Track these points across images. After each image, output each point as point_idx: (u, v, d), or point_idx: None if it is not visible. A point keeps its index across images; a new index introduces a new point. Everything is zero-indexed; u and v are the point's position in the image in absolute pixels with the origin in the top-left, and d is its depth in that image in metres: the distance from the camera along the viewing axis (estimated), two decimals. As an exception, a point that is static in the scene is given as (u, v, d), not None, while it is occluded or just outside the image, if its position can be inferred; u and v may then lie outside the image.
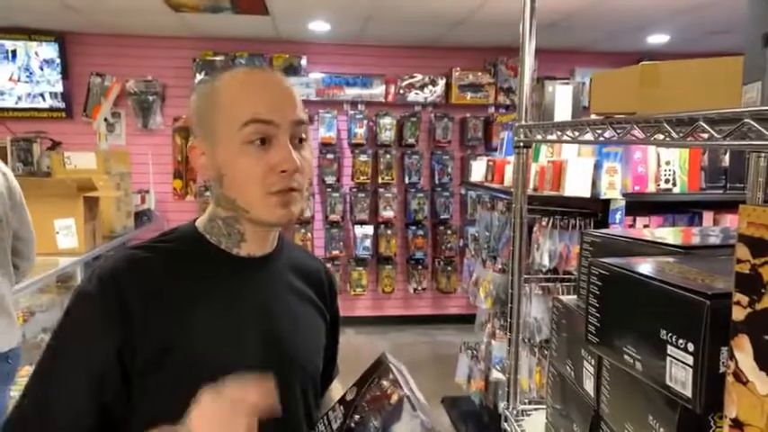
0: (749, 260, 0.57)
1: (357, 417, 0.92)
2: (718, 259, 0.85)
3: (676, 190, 2.75)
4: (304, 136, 0.95)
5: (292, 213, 0.93)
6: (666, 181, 2.76)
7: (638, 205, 2.74)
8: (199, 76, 4.98)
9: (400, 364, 0.99)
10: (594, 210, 2.74)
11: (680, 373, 0.67)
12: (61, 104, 4.95)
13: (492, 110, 5.42)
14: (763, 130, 0.49)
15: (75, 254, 3.17)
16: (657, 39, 4.82)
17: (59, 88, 4.92)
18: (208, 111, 0.94)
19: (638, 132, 0.73)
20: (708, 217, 2.87)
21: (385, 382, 0.93)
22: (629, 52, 5.28)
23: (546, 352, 2.84)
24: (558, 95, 3.30)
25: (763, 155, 1.18)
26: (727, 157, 2.82)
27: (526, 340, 2.89)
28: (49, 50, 4.86)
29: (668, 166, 2.76)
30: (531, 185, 2.90)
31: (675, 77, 0.73)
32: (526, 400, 1.35)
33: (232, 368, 0.91)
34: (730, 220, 2.87)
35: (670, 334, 0.69)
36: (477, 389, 3.47)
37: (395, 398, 0.89)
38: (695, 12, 3.93)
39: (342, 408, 0.94)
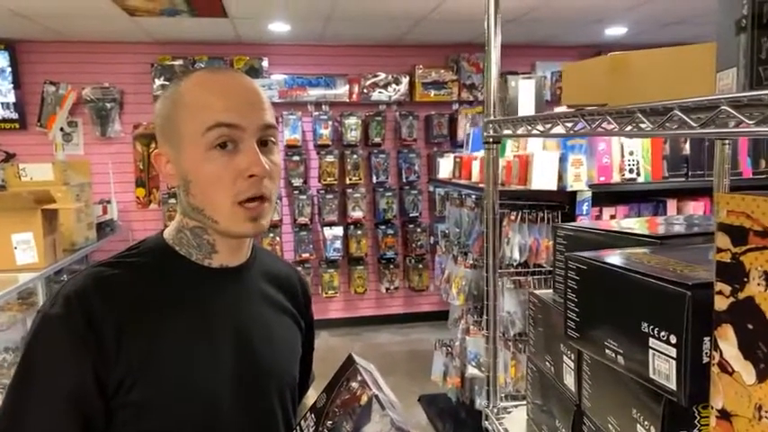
0: (730, 249, 0.56)
1: (329, 423, 0.91)
2: (695, 248, 0.85)
3: (640, 179, 2.80)
4: (273, 140, 0.92)
5: (262, 227, 0.90)
6: (631, 171, 2.80)
7: (604, 196, 2.78)
8: (158, 82, 4.87)
9: (369, 363, 0.98)
10: (561, 202, 2.77)
11: (663, 366, 0.67)
12: (14, 115, 4.78)
13: (456, 106, 5.44)
14: (740, 116, 0.48)
15: (36, 269, 3.05)
16: (615, 31, 4.90)
17: (12, 98, 4.75)
18: (171, 116, 0.90)
19: (610, 124, 0.72)
20: (671, 204, 2.93)
21: (354, 384, 0.91)
22: (588, 45, 5.36)
23: (520, 345, 2.86)
24: (521, 90, 3.32)
25: (727, 142, 1.20)
26: (687, 146, 2.87)
27: (500, 334, 2.90)
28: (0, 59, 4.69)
29: (632, 156, 2.80)
30: (499, 180, 2.91)
31: (646, 67, 0.72)
32: (503, 395, 1.34)
33: (206, 382, 0.89)
34: (693, 207, 2.94)
35: (651, 326, 0.68)
36: (453, 385, 3.47)
37: (364, 399, 0.88)
38: (650, 3, 4.00)
39: (313, 416, 0.93)
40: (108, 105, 4.91)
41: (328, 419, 0.91)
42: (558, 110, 1.35)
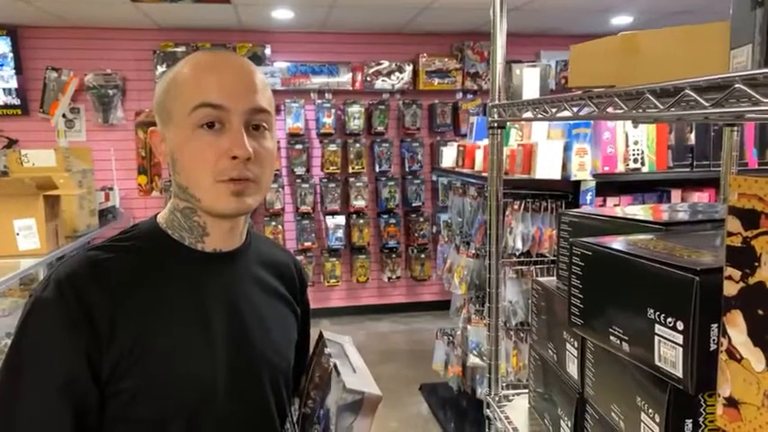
0: (741, 233, 0.55)
1: (310, 402, 0.94)
2: (700, 234, 0.84)
3: (645, 169, 2.77)
4: (265, 125, 0.90)
5: (246, 204, 0.88)
6: (635, 160, 2.78)
7: (608, 185, 2.76)
8: (160, 68, 4.84)
9: (342, 336, 1.00)
10: (565, 191, 2.75)
11: (669, 353, 0.66)
12: (16, 101, 4.77)
13: (460, 95, 5.40)
14: (756, 95, 0.47)
15: (38, 255, 3.05)
16: (621, 20, 4.86)
17: (13, 84, 4.74)
18: (165, 95, 0.90)
19: (618, 106, 0.70)
20: (676, 195, 2.91)
21: (323, 359, 0.94)
22: (594, 34, 5.27)
23: (522, 335, 2.85)
24: (525, 78, 3.30)
25: (736, 129, 1.18)
26: (693, 135, 2.85)
27: (502, 324, 2.89)
28: (1, 45, 4.66)
29: (636, 145, 2.78)
30: (503, 168, 2.89)
31: (656, 47, 0.70)
32: (504, 384, 1.33)
33: (200, 368, 0.88)
34: (698, 198, 2.91)
35: (658, 312, 0.67)
36: (455, 374, 3.47)
37: (329, 370, 0.90)
38: (657, -8, 3.97)
39: (297, 399, 0.94)
40: (110, 92, 4.89)
41: (309, 399, 0.94)
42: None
